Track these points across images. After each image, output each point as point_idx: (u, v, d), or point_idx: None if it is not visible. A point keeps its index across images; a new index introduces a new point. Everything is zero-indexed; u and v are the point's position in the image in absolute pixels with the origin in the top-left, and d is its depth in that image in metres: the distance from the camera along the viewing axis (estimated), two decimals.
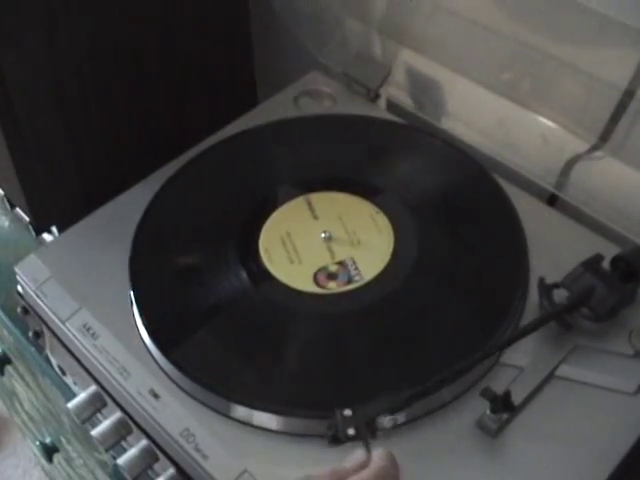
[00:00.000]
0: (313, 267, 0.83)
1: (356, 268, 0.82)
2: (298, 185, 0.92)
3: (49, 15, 0.85)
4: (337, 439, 0.63)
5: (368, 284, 0.81)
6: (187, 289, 0.82)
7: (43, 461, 1.35)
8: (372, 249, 0.84)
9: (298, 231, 0.86)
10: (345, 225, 0.87)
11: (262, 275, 0.82)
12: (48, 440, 1.25)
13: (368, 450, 0.62)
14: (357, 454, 0.60)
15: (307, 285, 0.81)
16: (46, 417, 1.21)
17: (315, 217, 0.88)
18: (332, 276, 0.82)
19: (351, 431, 0.62)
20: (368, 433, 0.63)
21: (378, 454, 0.59)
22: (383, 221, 0.87)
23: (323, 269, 0.82)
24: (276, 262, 0.83)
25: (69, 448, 1.18)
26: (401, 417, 0.70)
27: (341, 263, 0.83)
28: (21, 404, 1.35)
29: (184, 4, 0.99)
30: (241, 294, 0.81)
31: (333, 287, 0.81)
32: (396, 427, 0.70)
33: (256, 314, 0.80)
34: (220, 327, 0.79)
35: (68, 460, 1.24)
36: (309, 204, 0.89)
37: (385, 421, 0.65)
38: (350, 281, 0.81)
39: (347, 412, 0.63)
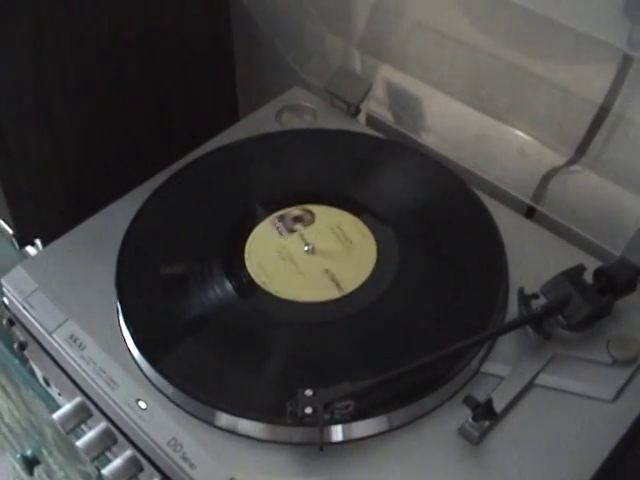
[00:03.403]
0: (297, 277, 0.84)
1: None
2: (280, 199, 0.92)
3: (35, 30, 0.86)
4: (295, 415, 0.68)
5: (352, 294, 0.82)
6: (173, 300, 0.83)
7: (23, 474, 1.34)
8: (354, 261, 0.85)
9: (281, 243, 0.87)
10: (327, 238, 0.88)
11: (247, 285, 0.83)
12: (29, 452, 1.25)
13: (322, 432, 0.66)
14: None
15: (291, 294, 0.82)
16: (27, 429, 1.21)
17: (297, 230, 0.89)
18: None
19: (308, 410, 0.67)
20: (324, 415, 0.67)
21: None
22: (365, 234, 0.88)
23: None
24: (261, 272, 0.84)
25: (50, 460, 1.18)
26: (384, 424, 0.72)
27: None
28: (1, 416, 1.35)
29: (167, 20, 1.00)
30: (226, 304, 0.82)
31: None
32: (378, 435, 0.72)
33: (242, 323, 0.80)
34: (206, 337, 0.80)
35: (49, 473, 1.24)
36: (292, 217, 0.90)
37: (343, 406, 0.68)
38: None
39: (308, 392, 0.68)
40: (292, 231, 0.89)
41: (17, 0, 0.83)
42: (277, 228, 0.89)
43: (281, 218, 0.90)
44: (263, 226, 0.89)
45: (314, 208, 0.91)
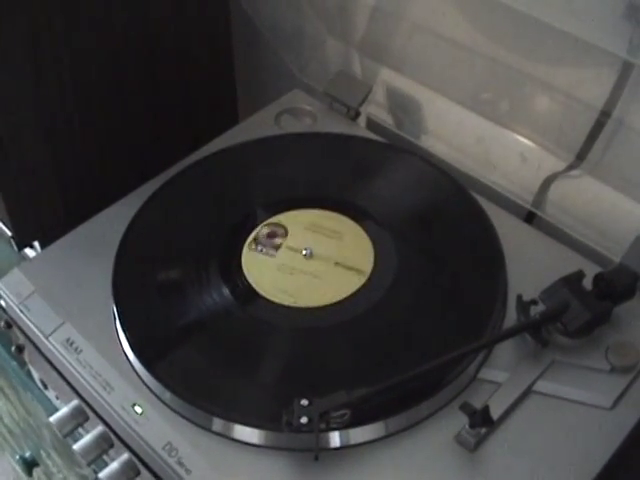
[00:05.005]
0: (293, 282, 0.83)
1: None
2: (279, 202, 0.92)
3: (34, 32, 0.86)
4: (291, 425, 0.68)
5: (349, 299, 0.81)
6: (170, 304, 0.82)
7: (22, 475, 1.35)
8: (352, 264, 0.85)
9: (280, 247, 0.87)
10: (326, 242, 0.87)
11: (244, 290, 0.83)
12: (28, 454, 1.25)
13: (317, 441, 0.67)
14: None
15: (288, 300, 0.82)
16: (26, 431, 1.21)
17: (296, 234, 0.89)
18: None
19: (304, 420, 0.67)
20: (320, 424, 0.67)
21: None
22: (363, 238, 0.87)
23: None
24: (258, 277, 0.84)
25: (49, 462, 1.18)
26: (380, 431, 0.72)
27: None
28: (1, 418, 1.35)
29: (166, 23, 1.00)
30: (223, 309, 0.81)
31: None
32: (375, 441, 0.72)
33: (238, 329, 0.80)
34: (202, 342, 0.79)
35: (48, 474, 1.24)
36: (290, 221, 0.90)
37: (338, 415, 0.68)
38: None
39: (304, 402, 0.68)
40: (290, 235, 0.88)
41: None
42: (261, 251, 0.88)
43: (279, 222, 0.90)
44: (261, 229, 0.89)
45: (313, 212, 0.91)
